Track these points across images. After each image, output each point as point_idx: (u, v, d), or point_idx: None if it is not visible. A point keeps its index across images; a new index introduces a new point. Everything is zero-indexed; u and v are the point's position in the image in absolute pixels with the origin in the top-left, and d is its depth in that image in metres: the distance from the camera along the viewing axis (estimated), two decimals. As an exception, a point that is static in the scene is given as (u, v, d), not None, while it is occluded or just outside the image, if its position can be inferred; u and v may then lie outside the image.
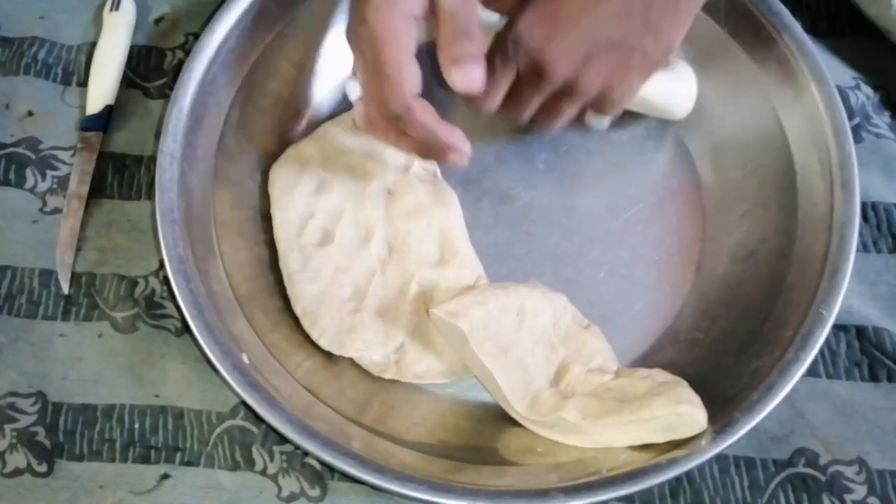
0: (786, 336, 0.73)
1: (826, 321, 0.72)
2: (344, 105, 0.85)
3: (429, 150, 0.71)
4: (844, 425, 0.76)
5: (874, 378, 0.78)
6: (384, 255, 0.78)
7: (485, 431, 0.75)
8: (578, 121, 0.79)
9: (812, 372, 0.77)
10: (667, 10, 0.72)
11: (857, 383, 0.78)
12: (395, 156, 0.81)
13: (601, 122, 0.79)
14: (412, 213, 0.79)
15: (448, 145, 0.70)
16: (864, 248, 0.83)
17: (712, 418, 0.69)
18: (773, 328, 0.75)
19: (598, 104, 0.76)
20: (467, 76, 0.68)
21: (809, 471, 0.75)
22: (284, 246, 0.78)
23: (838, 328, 0.79)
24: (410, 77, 0.67)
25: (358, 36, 0.68)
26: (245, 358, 0.71)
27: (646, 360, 0.78)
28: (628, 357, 0.78)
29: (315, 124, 0.85)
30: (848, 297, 0.78)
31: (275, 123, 0.84)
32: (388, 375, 0.75)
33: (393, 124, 0.69)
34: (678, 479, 0.74)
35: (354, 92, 0.73)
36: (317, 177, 0.81)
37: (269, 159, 0.82)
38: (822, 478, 0.75)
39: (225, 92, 0.80)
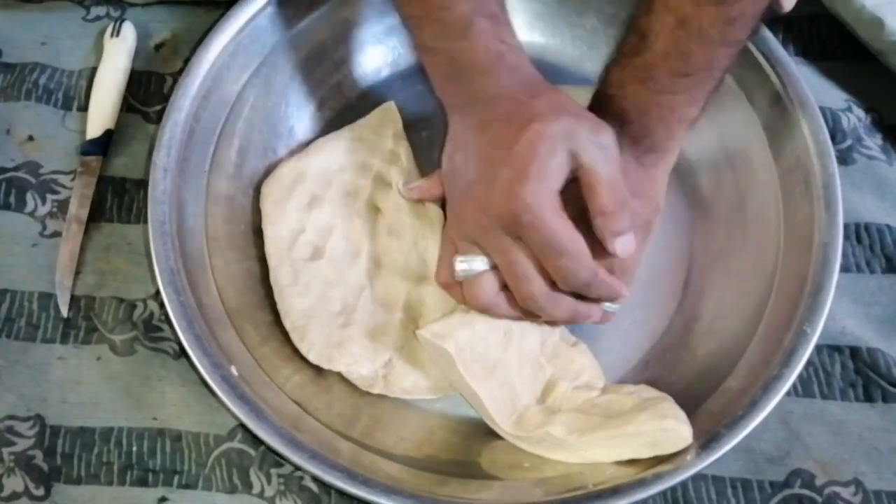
0: (770, 354, 0.73)
1: (810, 339, 0.72)
2: (335, 123, 0.86)
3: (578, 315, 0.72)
4: (840, 446, 0.76)
5: (869, 399, 0.78)
6: (372, 270, 0.79)
7: (472, 446, 0.75)
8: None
9: (807, 393, 0.78)
10: (642, 177, 0.75)
11: (852, 404, 0.78)
12: (384, 173, 0.82)
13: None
14: (398, 230, 0.79)
15: (624, 294, 0.71)
16: (857, 268, 0.83)
17: (697, 434, 0.69)
18: (757, 346, 0.75)
19: None
20: (630, 246, 0.69)
21: (806, 492, 0.75)
22: (275, 260, 0.79)
23: (832, 349, 0.79)
24: (585, 245, 0.68)
25: (517, 222, 0.67)
26: (234, 370, 0.71)
27: (632, 377, 0.78)
28: (615, 374, 0.78)
29: (307, 141, 0.85)
30: (842, 317, 0.80)
31: (267, 139, 0.84)
32: (376, 390, 0.75)
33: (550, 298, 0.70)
34: (675, 501, 0.74)
35: (474, 271, 0.72)
36: (308, 192, 0.81)
37: (262, 175, 0.83)
38: (819, 499, 0.74)
39: (218, 107, 0.81)
